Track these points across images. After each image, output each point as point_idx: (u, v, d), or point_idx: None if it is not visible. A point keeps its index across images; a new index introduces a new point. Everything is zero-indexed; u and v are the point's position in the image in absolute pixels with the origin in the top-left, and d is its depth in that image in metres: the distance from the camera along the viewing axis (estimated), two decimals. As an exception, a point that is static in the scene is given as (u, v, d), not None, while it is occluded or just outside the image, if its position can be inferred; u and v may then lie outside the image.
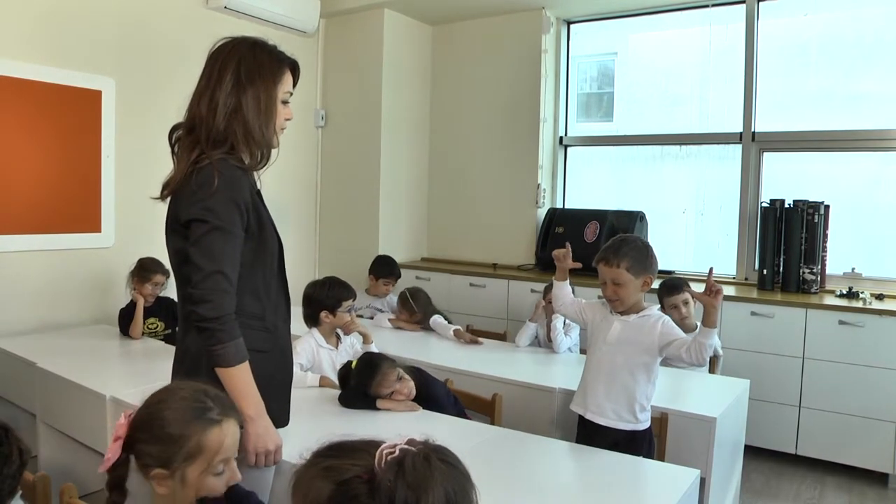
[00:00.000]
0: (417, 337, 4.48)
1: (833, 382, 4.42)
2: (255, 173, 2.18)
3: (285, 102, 2.17)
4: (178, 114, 2.13)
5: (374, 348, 3.60)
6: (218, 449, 1.71)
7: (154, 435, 1.71)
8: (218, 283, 1.95)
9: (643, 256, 2.81)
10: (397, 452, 1.15)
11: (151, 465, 1.71)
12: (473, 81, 6.32)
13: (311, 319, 3.50)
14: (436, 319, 4.51)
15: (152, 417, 1.73)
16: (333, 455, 1.21)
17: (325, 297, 3.48)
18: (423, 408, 2.92)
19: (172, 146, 2.13)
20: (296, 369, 3.28)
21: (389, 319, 4.68)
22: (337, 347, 3.52)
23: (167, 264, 2.25)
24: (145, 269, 4.28)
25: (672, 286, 4.20)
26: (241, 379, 1.98)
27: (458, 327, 4.45)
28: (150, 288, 4.26)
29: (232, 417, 1.78)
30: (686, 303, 4.16)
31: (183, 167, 2.04)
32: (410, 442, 1.18)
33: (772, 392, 4.57)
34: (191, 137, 2.07)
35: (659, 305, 2.93)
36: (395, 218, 6.28)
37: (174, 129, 2.14)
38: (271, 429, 2.05)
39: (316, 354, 3.44)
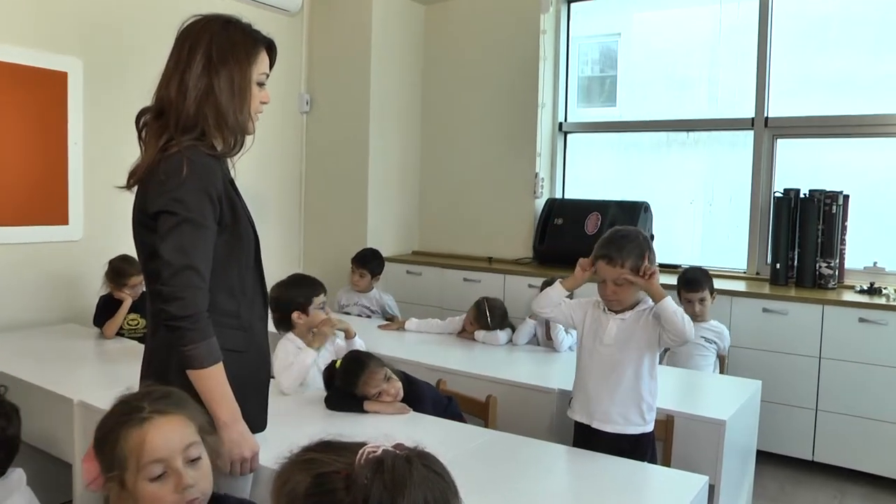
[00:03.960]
0: (405, 334, 4.51)
1: (852, 384, 4.41)
2: (228, 161, 2.16)
3: (261, 85, 2.15)
4: (148, 97, 2.11)
5: (358, 343, 3.57)
6: (140, 451, 1.65)
7: (94, 441, 1.72)
8: (189, 279, 1.93)
9: (646, 250, 2.81)
10: (379, 452, 1.17)
11: (102, 474, 1.70)
12: (468, 64, 6.30)
13: (283, 324, 3.44)
14: (498, 334, 4.36)
15: (96, 424, 1.73)
16: (319, 450, 1.24)
17: (295, 297, 3.41)
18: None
19: (139, 132, 2.11)
20: (291, 349, 3.28)
21: (460, 334, 4.50)
22: (324, 343, 3.49)
23: None
24: (119, 274, 4.24)
25: (690, 281, 4.34)
26: (214, 381, 1.97)
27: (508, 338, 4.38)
28: (128, 291, 4.23)
29: (170, 413, 1.72)
30: (703, 301, 4.30)
31: (150, 154, 2.02)
32: (398, 446, 1.20)
33: (786, 394, 4.56)
34: (159, 122, 2.05)
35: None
36: (385, 209, 6.27)
37: (141, 113, 2.11)
38: (247, 434, 2.04)
39: (297, 359, 3.41)
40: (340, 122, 6.19)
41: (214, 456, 1.79)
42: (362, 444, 1.20)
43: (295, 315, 3.39)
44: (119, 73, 4.84)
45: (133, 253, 2.21)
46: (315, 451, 1.24)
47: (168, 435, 1.67)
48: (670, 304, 2.71)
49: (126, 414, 1.69)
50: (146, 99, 2.13)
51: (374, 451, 1.17)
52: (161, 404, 1.71)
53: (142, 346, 3.83)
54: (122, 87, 4.80)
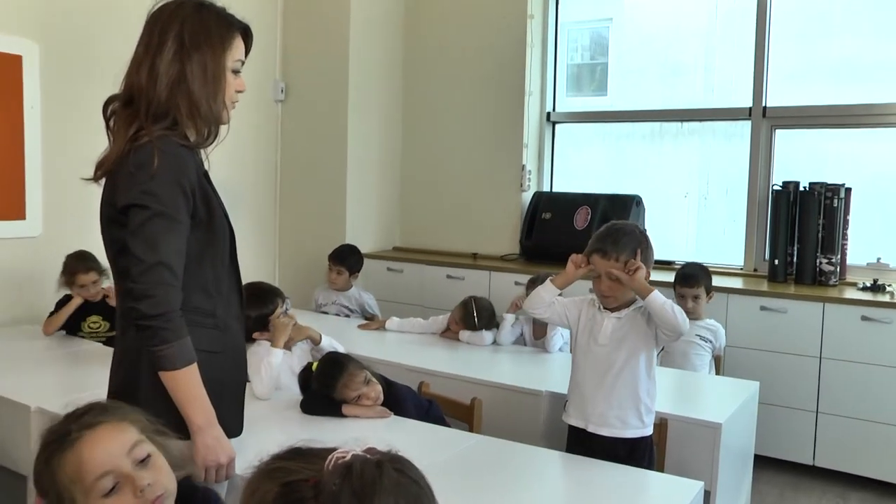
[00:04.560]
0: (384, 334, 4.53)
1: (855, 385, 4.44)
2: (202, 152, 2.16)
3: (236, 72, 2.16)
4: (114, 83, 2.10)
5: (327, 343, 3.55)
6: (80, 473, 1.60)
7: (34, 484, 1.67)
8: (161, 276, 1.94)
9: (644, 247, 2.84)
10: (348, 457, 1.17)
11: None
12: (452, 50, 6.30)
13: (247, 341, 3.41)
14: (483, 334, 4.39)
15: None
16: (287, 458, 1.23)
17: (250, 315, 3.22)
18: None
19: (107, 120, 2.10)
20: (261, 352, 3.27)
21: (443, 334, 4.52)
22: (291, 349, 3.49)
23: (103, 257, 2.22)
24: (67, 272, 4.20)
25: (687, 276, 4.43)
26: (188, 383, 1.98)
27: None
28: (77, 290, 4.20)
29: (99, 424, 1.65)
30: (697, 298, 4.36)
31: (119, 145, 2.01)
32: (369, 450, 1.20)
33: (785, 396, 4.60)
34: (128, 111, 2.05)
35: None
36: (365, 203, 6.27)
37: (109, 100, 2.11)
38: (223, 439, 2.05)
39: (263, 361, 3.40)
40: (317, 111, 6.18)
41: (170, 456, 1.75)
42: (333, 450, 1.20)
43: (255, 335, 3.31)
44: (82, 59, 4.81)
45: (99, 250, 2.21)
46: (283, 460, 1.23)
47: (104, 445, 1.62)
48: (657, 298, 2.75)
49: (54, 443, 1.63)
50: (112, 87, 2.13)
51: (344, 457, 1.17)
52: (87, 419, 1.66)
53: (105, 349, 3.87)
54: (86, 74, 4.76)
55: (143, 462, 1.65)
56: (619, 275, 2.76)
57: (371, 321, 4.81)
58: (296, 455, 1.24)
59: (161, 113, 2.02)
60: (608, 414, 2.83)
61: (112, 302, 4.10)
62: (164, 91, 2.02)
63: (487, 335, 4.31)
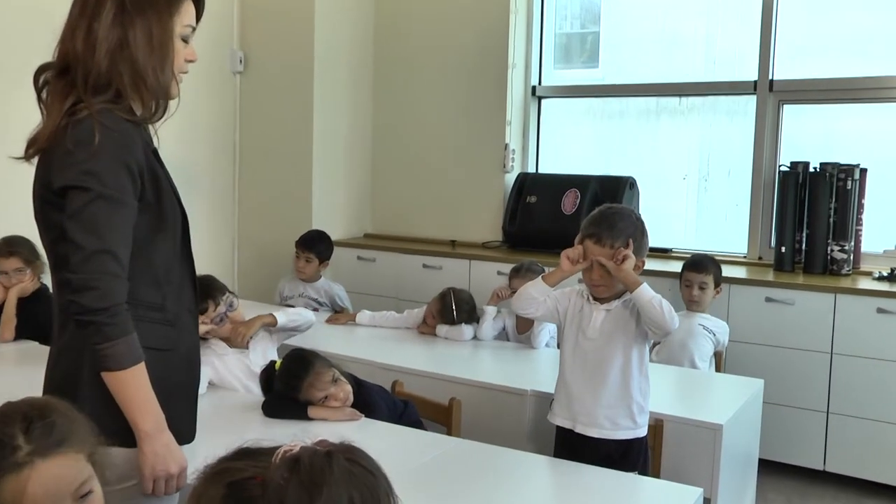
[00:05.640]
0: (354, 329, 4.52)
1: (869, 383, 4.46)
2: (150, 127, 2.14)
3: (186, 40, 2.12)
4: (47, 50, 2.06)
5: (288, 320, 3.53)
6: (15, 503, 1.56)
7: None
8: (104, 266, 1.91)
9: (640, 235, 2.86)
10: (297, 450, 1.18)
11: None
12: (428, 19, 6.28)
13: None
14: (462, 328, 4.40)
15: None
16: (234, 458, 1.24)
17: None
18: None
19: (39, 92, 2.06)
20: (212, 360, 3.26)
21: (419, 328, 4.53)
22: (247, 346, 3.48)
23: (38, 242, 2.19)
24: None
25: (696, 262, 4.53)
26: (134, 385, 1.95)
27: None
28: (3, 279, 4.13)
29: (53, 454, 1.61)
30: (703, 287, 4.42)
31: (54, 119, 1.98)
32: (321, 443, 1.21)
33: (792, 395, 4.62)
34: (64, 81, 2.01)
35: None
36: (333, 186, 6.25)
37: (41, 69, 2.06)
38: (174, 447, 2.03)
39: (221, 366, 3.40)
40: (280, 84, 6.15)
41: (104, 478, 1.71)
42: (283, 446, 1.21)
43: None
44: (6, 21, 4.73)
45: (31, 235, 2.17)
46: (229, 460, 1.24)
47: (55, 483, 1.59)
48: (645, 291, 2.76)
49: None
50: (41, 52, 2.09)
51: (292, 450, 1.18)
52: (43, 442, 1.60)
53: (39, 348, 3.82)
54: (7, 38, 4.68)
55: (84, 498, 1.64)
56: (607, 263, 2.77)
57: (340, 314, 4.80)
58: (243, 455, 1.24)
59: (102, 84, 1.99)
60: (597, 413, 2.84)
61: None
62: (105, 59, 1.98)
63: (467, 329, 4.31)
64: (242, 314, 3.49)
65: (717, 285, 4.50)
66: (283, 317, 3.53)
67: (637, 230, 2.85)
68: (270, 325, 3.51)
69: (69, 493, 1.61)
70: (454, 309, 4.35)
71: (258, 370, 3.23)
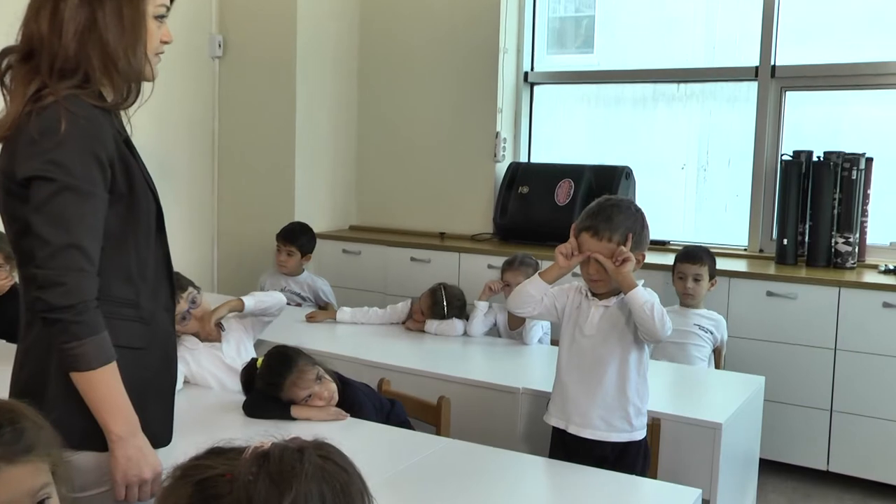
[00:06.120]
0: (337, 325, 4.52)
1: (874, 380, 4.47)
2: (122, 114, 2.12)
3: (160, 19, 2.10)
4: (9, 34, 2.05)
5: (254, 304, 3.52)
6: None
7: None
8: (72, 260, 1.90)
9: (640, 228, 2.85)
10: (267, 445, 1.19)
11: None
12: (415, 2, 6.26)
13: None
14: (454, 323, 4.42)
15: None
16: (203, 458, 1.24)
17: None
18: None
19: (1, 77, 2.04)
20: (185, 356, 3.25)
21: (406, 324, 4.53)
22: (220, 339, 3.47)
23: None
24: None
25: (689, 253, 4.52)
26: (105, 386, 1.94)
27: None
28: None
29: (20, 461, 1.59)
30: (698, 279, 4.41)
31: (18, 106, 1.95)
32: (293, 440, 1.22)
33: (795, 392, 4.63)
34: (28, 66, 1.99)
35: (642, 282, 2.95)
36: (316, 176, 6.24)
37: (3, 53, 2.04)
38: (148, 451, 2.02)
39: (192, 361, 3.39)
40: (261, 70, 6.13)
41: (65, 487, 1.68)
42: (255, 443, 1.22)
43: None
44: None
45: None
46: (198, 459, 1.24)
47: (14, 488, 1.58)
48: (639, 295, 2.75)
49: None
50: (7, 36, 2.07)
51: (262, 446, 1.19)
52: (11, 448, 1.59)
53: (5, 346, 3.79)
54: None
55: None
56: (605, 262, 2.77)
57: (319, 312, 4.78)
58: (212, 454, 1.25)
59: (69, 68, 1.97)
60: (591, 414, 2.83)
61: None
62: (72, 42, 1.96)
63: (458, 324, 4.32)
64: (208, 306, 3.49)
65: (711, 277, 4.50)
66: (250, 300, 3.54)
67: (637, 223, 2.84)
68: (238, 310, 3.52)
69: (29, 501, 1.59)
70: (445, 305, 4.36)
71: (232, 363, 3.24)
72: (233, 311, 3.52)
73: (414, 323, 4.45)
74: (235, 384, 3.20)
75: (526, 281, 3.01)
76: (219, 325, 3.51)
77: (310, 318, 4.63)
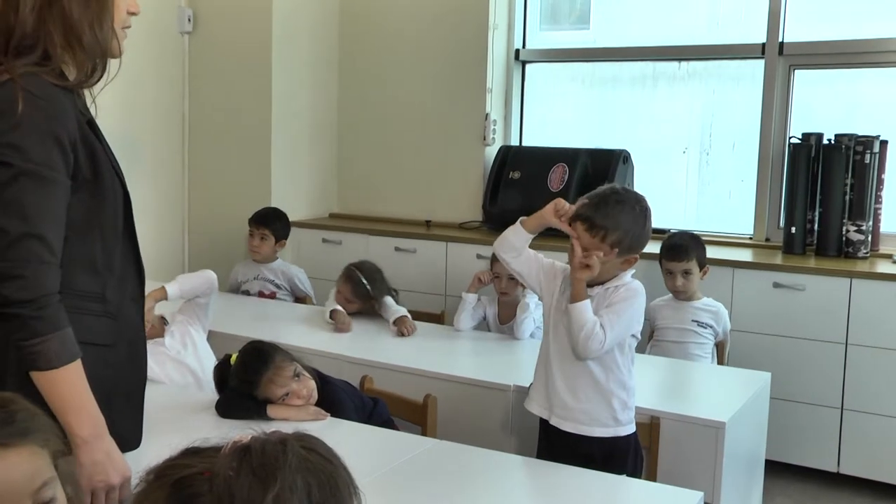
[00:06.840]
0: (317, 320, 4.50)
1: (888, 377, 4.48)
2: (86, 94, 2.12)
3: (126, -12, 2.11)
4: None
5: (178, 290, 3.52)
6: None
7: None
8: (32, 251, 1.90)
9: (639, 228, 2.85)
10: (247, 440, 1.19)
11: None
12: (399, -28, 6.26)
13: None
14: (386, 301, 4.49)
15: None
16: (178, 458, 1.24)
17: None
18: None
19: None
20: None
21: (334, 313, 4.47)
22: (163, 334, 3.46)
23: None
24: None
25: (673, 248, 4.42)
26: (69, 385, 1.94)
27: (404, 313, 4.35)
28: None
29: (14, 445, 1.58)
30: (687, 273, 4.36)
31: None
32: (274, 433, 1.22)
33: (803, 389, 4.64)
34: None
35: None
36: (294, 160, 6.24)
37: None
38: (115, 454, 2.02)
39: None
40: (234, 46, 6.11)
41: (70, 487, 1.72)
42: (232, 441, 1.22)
43: None
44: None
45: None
46: (173, 460, 1.24)
47: (12, 476, 1.56)
48: (580, 311, 2.77)
49: None
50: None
51: (241, 441, 1.19)
52: (4, 430, 1.59)
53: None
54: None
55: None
56: (576, 254, 2.76)
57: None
58: (190, 453, 1.25)
59: (27, 44, 1.97)
60: (573, 406, 2.86)
61: None
62: (31, 16, 1.96)
63: (390, 301, 4.41)
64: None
65: (702, 266, 4.44)
66: (173, 286, 3.53)
67: (637, 224, 2.84)
68: (162, 299, 3.50)
69: (28, 493, 1.57)
70: (366, 283, 4.43)
71: (178, 356, 3.24)
72: (157, 300, 3.48)
73: (344, 317, 4.35)
74: (183, 377, 3.25)
75: (509, 227, 3.02)
76: (163, 320, 3.52)
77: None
